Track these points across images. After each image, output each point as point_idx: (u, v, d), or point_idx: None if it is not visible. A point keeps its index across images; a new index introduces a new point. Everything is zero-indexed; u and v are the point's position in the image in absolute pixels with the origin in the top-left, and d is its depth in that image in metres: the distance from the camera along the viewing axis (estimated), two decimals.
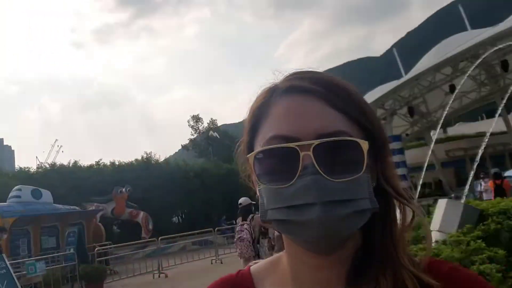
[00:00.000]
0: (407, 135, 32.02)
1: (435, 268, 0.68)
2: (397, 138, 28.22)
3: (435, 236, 4.15)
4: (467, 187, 10.22)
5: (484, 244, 3.25)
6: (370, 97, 29.57)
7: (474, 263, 2.94)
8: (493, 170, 15.03)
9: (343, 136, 0.63)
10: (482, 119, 46.32)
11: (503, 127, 30.26)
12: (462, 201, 5.86)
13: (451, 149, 34.97)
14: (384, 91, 27.84)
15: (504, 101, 15.68)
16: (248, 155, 0.68)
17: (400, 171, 27.13)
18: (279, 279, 0.75)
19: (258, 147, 0.68)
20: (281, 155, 0.64)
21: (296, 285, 0.72)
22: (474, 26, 30.47)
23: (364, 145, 0.63)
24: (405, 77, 27.38)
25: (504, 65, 24.09)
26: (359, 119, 0.66)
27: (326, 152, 0.62)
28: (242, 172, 0.77)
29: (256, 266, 0.81)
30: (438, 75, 26.58)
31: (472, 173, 16.20)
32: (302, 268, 0.71)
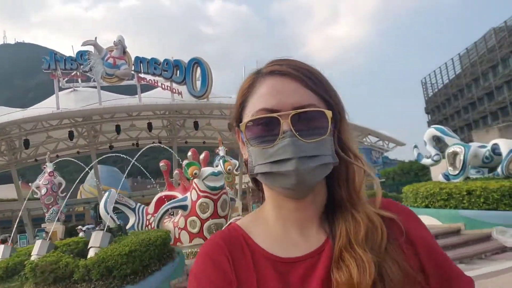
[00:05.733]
0: None
1: (388, 205, 0.92)
2: None
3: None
4: None
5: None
6: None
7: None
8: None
9: (312, 108, 0.84)
10: None
11: (14, 195, 33.88)
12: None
13: None
14: None
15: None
16: (240, 124, 0.88)
17: None
18: (266, 225, 0.93)
19: (247, 119, 0.87)
20: (266, 123, 0.84)
21: (281, 226, 0.91)
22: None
23: (329, 114, 0.85)
24: None
25: (26, 143, 28.43)
26: (324, 95, 0.87)
27: (300, 120, 0.82)
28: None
29: (240, 220, 0.99)
30: None
31: None
32: (284, 211, 0.91)
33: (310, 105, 0.84)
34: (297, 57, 0.91)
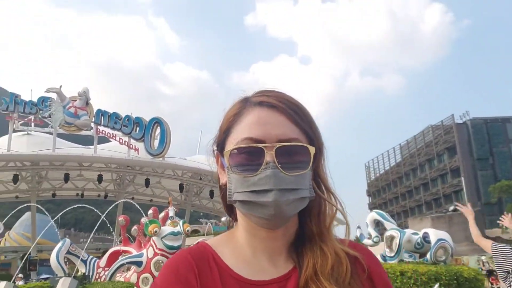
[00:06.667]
0: None
1: (353, 245, 0.95)
2: None
3: None
4: None
5: None
6: None
7: None
8: None
9: (296, 142, 0.86)
10: None
11: None
12: None
13: None
14: None
15: None
16: (224, 151, 0.89)
17: None
18: (235, 247, 0.94)
19: (230, 146, 0.88)
20: (250, 152, 0.85)
21: (251, 252, 0.92)
22: None
23: (312, 150, 0.87)
24: None
25: None
26: (307, 130, 0.90)
27: (284, 153, 0.84)
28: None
29: (210, 240, 0.98)
30: None
31: None
32: (255, 240, 0.92)
33: (294, 139, 0.86)
34: None
